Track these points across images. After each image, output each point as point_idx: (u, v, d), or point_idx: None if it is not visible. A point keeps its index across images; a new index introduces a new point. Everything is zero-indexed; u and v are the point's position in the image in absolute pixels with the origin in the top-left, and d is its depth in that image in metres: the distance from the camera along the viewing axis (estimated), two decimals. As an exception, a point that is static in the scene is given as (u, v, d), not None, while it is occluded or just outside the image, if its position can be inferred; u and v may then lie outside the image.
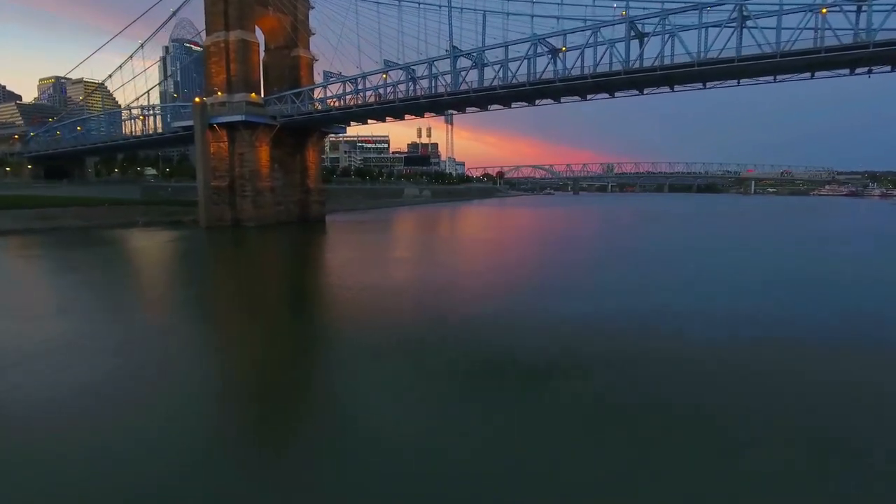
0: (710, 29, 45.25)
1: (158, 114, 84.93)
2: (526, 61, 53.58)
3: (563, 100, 59.78)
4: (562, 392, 13.28)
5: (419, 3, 62.33)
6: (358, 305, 23.59)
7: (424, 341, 17.78)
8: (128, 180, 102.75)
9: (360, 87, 65.61)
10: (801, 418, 11.76)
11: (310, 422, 12.07)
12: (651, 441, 10.57)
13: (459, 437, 10.80)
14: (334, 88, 68.56)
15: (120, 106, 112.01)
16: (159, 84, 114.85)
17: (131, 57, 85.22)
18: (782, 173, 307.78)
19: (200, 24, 71.89)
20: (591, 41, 50.12)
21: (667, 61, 47.68)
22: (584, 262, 38.24)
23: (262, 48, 73.17)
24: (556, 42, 52.32)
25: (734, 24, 44.18)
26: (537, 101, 61.42)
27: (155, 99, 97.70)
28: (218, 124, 67.36)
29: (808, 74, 48.24)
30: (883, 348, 17.41)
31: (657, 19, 47.66)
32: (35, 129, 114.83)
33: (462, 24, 58.90)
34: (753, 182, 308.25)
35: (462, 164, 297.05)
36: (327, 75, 72.59)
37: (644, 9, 49.06)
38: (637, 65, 48.90)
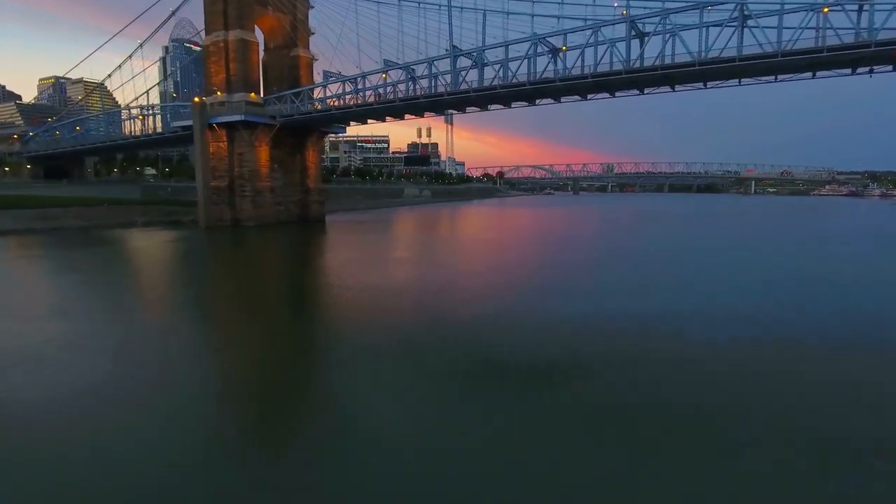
0: (710, 28, 45.29)
1: (158, 114, 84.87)
2: (526, 61, 53.57)
3: (563, 99, 59.83)
4: (562, 392, 13.28)
5: (419, 3, 62.43)
6: (358, 305, 23.59)
7: (424, 341, 17.79)
8: (127, 180, 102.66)
9: (359, 86, 65.60)
10: (801, 418, 11.76)
11: (310, 422, 12.07)
12: (651, 441, 10.57)
13: (459, 437, 10.80)
14: (334, 88, 68.57)
15: (119, 106, 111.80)
16: (159, 84, 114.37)
17: (131, 57, 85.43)
18: (782, 173, 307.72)
19: (200, 24, 72.08)
20: (591, 41, 50.13)
21: (667, 61, 47.69)
22: (584, 262, 38.25)
23: (261, 48, 73.19)
24: (556, 41, 52.39)
25: (735, 24, 44.19)
26: (537, 101, 61.43)
27: (154, 99, 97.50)
28: (217, 124, 67.35)
29: (809, 74, 48.25)
30: (883, 348, 17.42)
31: (658, 19, 47.67)
32: (34, 128, 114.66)
33: (462, 24, 59.07)
34: (753, 182, 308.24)
35: (462, 164, 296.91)
36: (327, 75, 72.46)
37: (645, 8, 49.12)
38: (637, 64, 48.91)
